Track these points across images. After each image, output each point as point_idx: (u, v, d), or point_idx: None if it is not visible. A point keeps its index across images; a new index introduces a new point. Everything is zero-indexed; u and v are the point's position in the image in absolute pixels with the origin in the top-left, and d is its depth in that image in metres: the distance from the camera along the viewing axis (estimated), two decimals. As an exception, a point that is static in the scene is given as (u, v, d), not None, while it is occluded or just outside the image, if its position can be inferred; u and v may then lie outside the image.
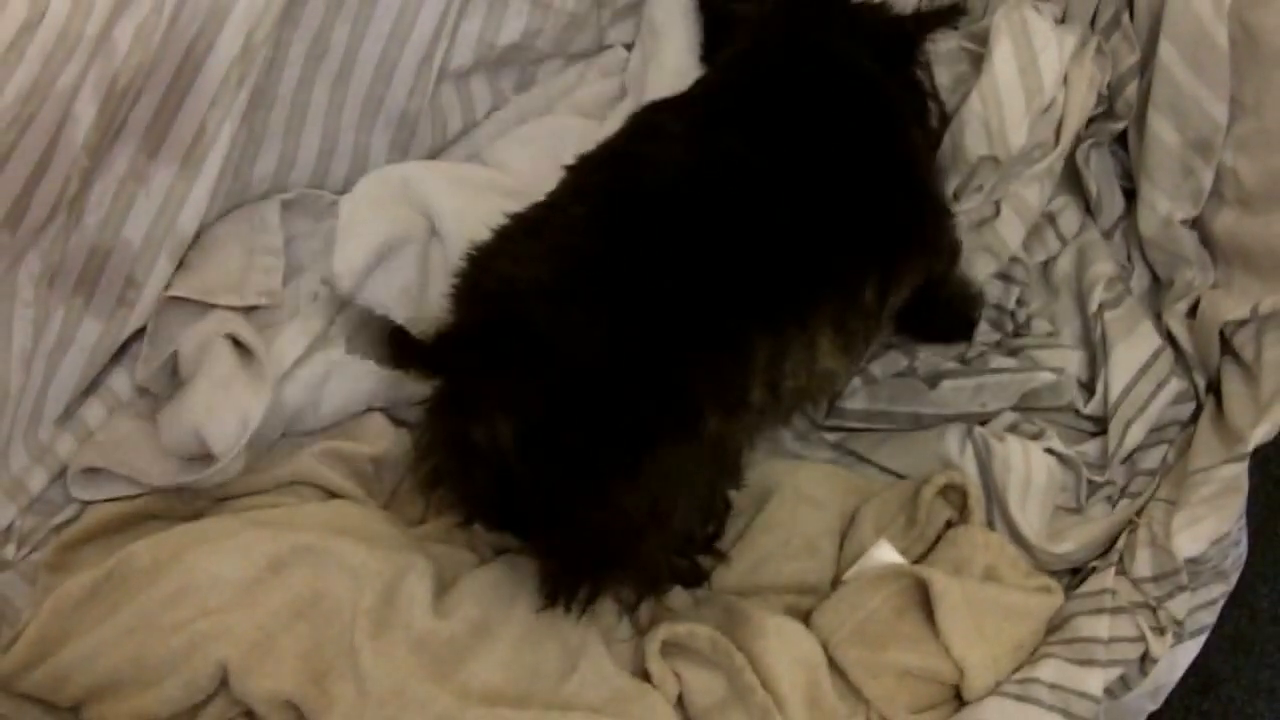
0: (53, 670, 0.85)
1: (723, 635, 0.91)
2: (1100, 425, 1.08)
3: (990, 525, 1.01)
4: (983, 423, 1.05)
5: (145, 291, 0.98)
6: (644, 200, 0.81)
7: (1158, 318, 1.11)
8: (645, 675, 0.90)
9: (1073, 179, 1.14)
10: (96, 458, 0.96)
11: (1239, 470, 0.95)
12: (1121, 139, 1.15)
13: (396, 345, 0.74)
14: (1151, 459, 1.06)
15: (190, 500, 0.97)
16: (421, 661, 0.86)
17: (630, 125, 0.90)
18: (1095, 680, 0.90)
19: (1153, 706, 0.96)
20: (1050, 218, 1.13)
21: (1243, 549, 0.97)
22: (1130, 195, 1.14)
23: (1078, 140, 1.11)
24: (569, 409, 0.75)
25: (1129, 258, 1.15)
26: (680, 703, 0.90)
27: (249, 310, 1.01)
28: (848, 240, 0.84)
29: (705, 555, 0.97)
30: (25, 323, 0.94)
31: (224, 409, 0.95)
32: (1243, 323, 1.01)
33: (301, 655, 0.86)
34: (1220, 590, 0.96)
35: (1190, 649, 0.95)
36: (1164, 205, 1.09)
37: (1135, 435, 1.05)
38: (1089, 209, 1.15)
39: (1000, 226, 1.09)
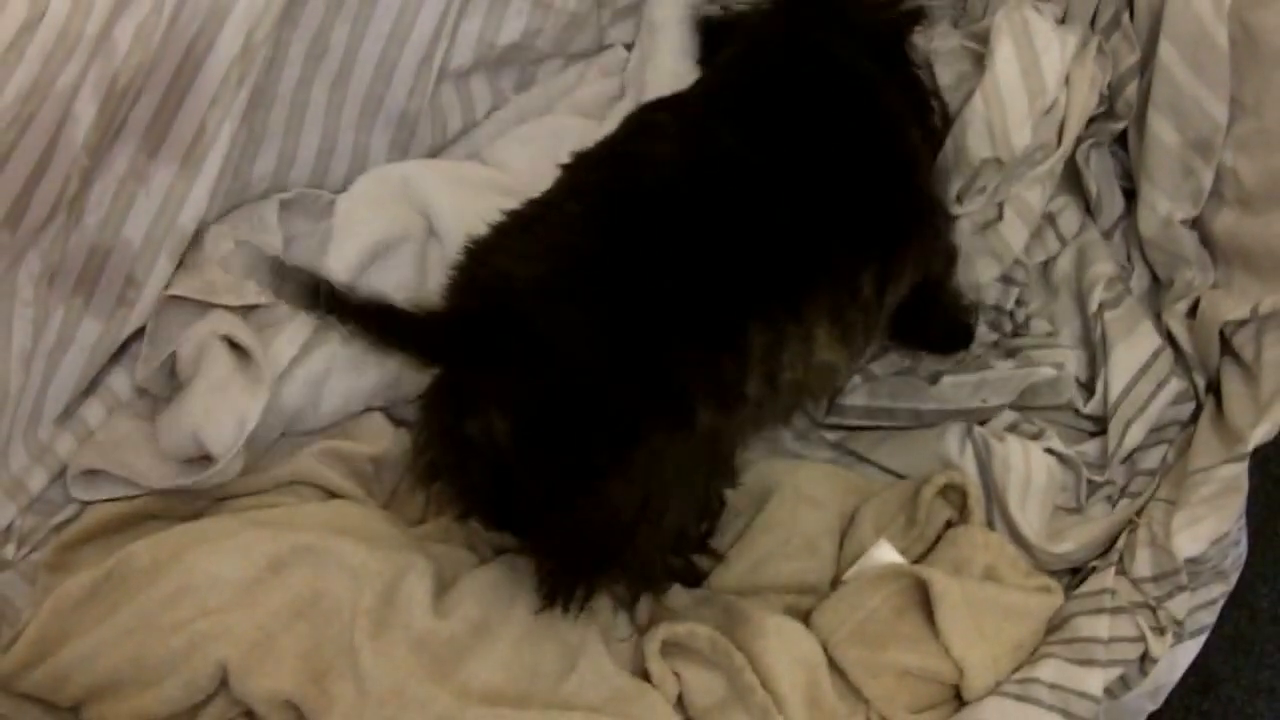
0: (52, 670, 0.85)
1: (722, 635, 0.91)
2: (1100, 425, 1.07)
3: (990, 525, 1.01)
4: (982, 422, 1.05)
5: (145, 291, 0.98)
6: (640, 198, 0.81)
7: (1158, 318, 1.11)
8: (645, 675, 0.90)
9: (1073, 179, 1.14)
10: (96, 459, 0.96)
11: (1239, 470, 0.95)
12: (1121, 139, 1.15)
13: (389, 320, 0.73)
14: (1151, 459, 1.06)
15: (190, 500, 0.97)
16: (421, 661, 0.86)
17: (627, 124, 0.90)
18: (1095, 680, 0.90)
19: (1152, 706, 0.95)
20: (1050, 218, 1.13)
21: (1243, 549, 0.97)
22: (1130, 195, 1.14)
23: (1078, 140, 1.11)
24: (563, 403, 0.75)
25: (1129, 258, 1.14)
26: (680, 702, 0.90)
27: (248, 310, 1.01)
28: (843, 234, 0.85)
29: (701, 555, 0.97)
30: (25, 322, 0.94)
31: (221, 411, 0.95)
32: (1243, 323, 1.01)
33: (301, 655, 0.86)
34: (1220, 590, 0.96)
35: (1190, 649, 0.95)
36: (1164, 205, 1.09)
37: (1135, 435, 1.05)
38: (1089, 209, 1.15)
39: (1004, 229, 1.09)
